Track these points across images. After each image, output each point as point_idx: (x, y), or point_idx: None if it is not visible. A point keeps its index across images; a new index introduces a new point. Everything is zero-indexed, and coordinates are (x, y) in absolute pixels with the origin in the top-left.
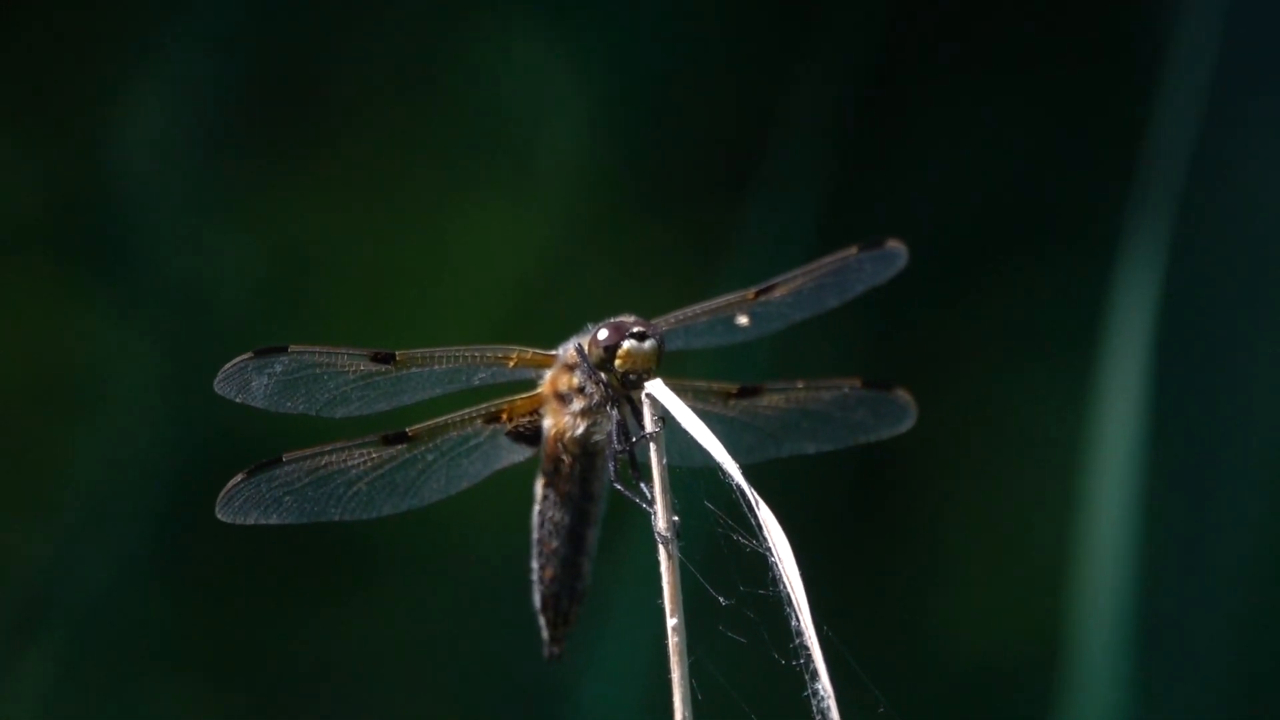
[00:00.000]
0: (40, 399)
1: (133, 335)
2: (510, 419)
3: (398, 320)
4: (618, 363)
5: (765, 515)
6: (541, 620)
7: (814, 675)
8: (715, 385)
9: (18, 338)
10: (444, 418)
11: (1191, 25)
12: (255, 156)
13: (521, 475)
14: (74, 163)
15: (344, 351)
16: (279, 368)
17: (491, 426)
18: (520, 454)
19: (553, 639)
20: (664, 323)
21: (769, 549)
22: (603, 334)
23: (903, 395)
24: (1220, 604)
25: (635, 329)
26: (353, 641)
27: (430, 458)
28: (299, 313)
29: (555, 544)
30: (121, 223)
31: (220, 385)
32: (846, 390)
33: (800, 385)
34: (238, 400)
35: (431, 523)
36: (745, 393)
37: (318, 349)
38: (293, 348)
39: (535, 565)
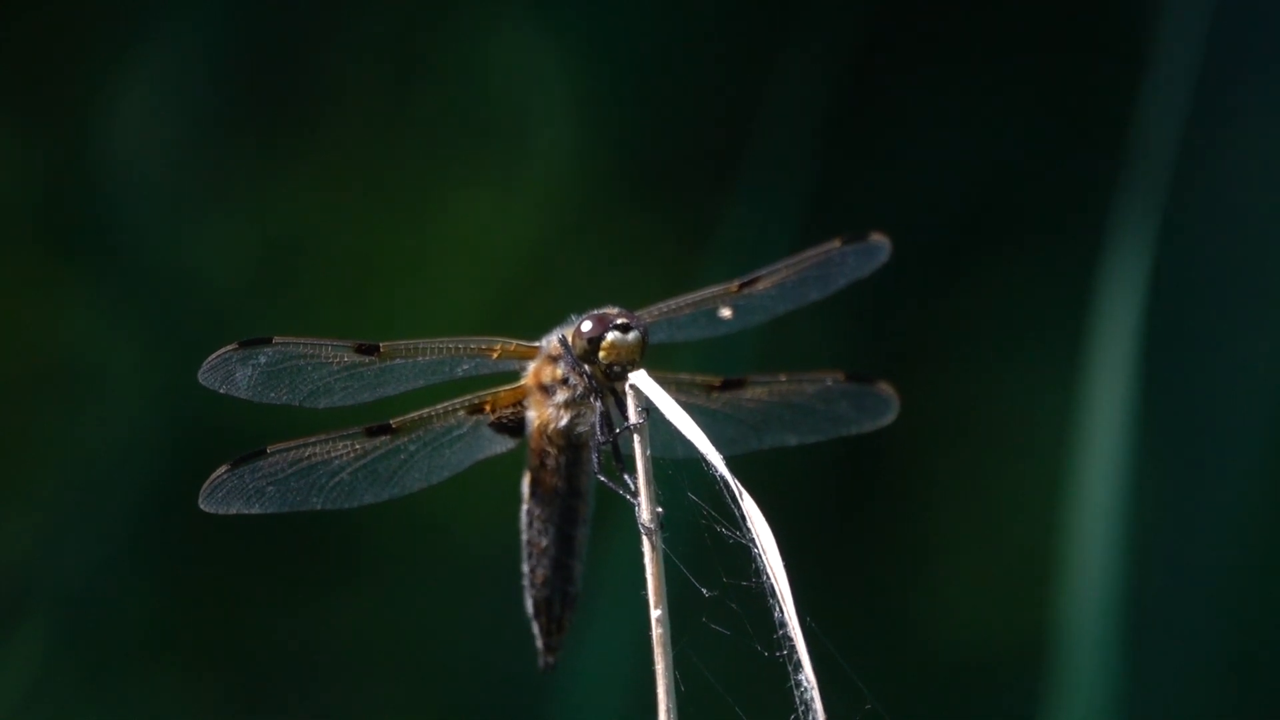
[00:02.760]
0: (25, 388)
1: (118, 324)
2: (494, 410)
3: (382, 310)
4: (601, 354)
5: (749, 506)
6: (535, 627)
7: (798, 666)
8: (698, 378)
9: (2, 327)
10: (428, 409)
11: (1178, 15)
12: (242, 146)
13: (506, 467)
14: (60, 152)
15: (328, 343)
16: (263, 359)
17: (475, 418)
18: (503, 445)
19: (547, 648)
20: (647, 315)
21: (752, 540)
22: (586, 325)
23: (885, 388)
24: (1209, 594)
25: (619, 320)
26: (336, 631)
27: (413, 448)
28: (285, 302)
29: (545, 543)
30: (107, 212)
31: (205, 376)
32: (830, 383)
33: (783, 378)
34: (221, 391)
35: (416, 514)
36: (728, 385)
37: (302, 340)
38: (277, 339)
39: (526, 568)
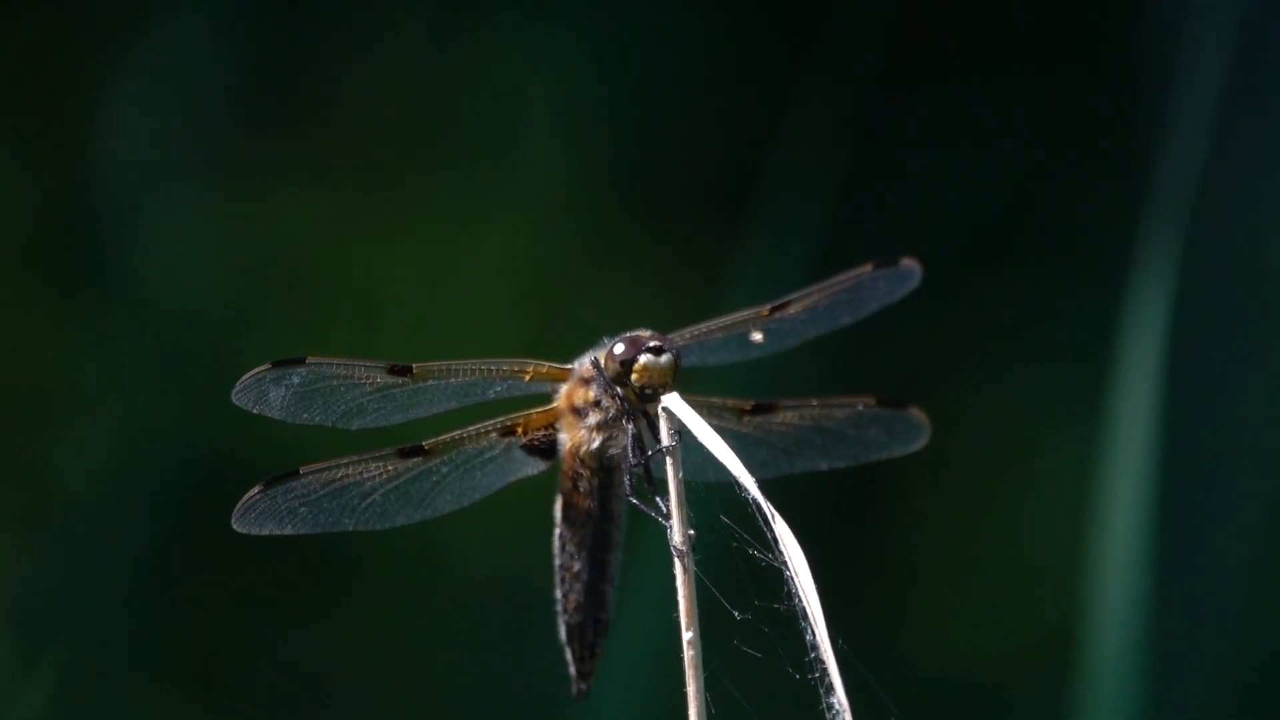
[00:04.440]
0: (27, 415)
1: (121, 349)
2: (526, 433)
3: (392, 336)
4: (634, 377)
5: (781, 529)
6: (568, 654)
7: (829, 689)
8: (730, 401)
9: (2, 352)
10: (460, 431)
11: (1203, 38)
12: (247, 168)
13: (521, 491)
14: (62, 174)
15: (361, 364)
16: (296, 379)
17: (507, 440)
18: (534, 467)
19: (579, 675)
20: (679, 338)
21: (785, 563)
22: (619, 348)
23: (917, 414)
24: (1231, 617)
25: (652, 343)
26: (347, 657)
27: (445, 470)
28: (292, 326)
29: (577, 567)
30: (110, 236)
31: (238, 397)
32: (861, 408)
33: (815, 403)
34: (255, 411)
35: (426, 537)
36: (760, 409)
37: (335, 361)
38: (310, 359)
39: (559, 594)
